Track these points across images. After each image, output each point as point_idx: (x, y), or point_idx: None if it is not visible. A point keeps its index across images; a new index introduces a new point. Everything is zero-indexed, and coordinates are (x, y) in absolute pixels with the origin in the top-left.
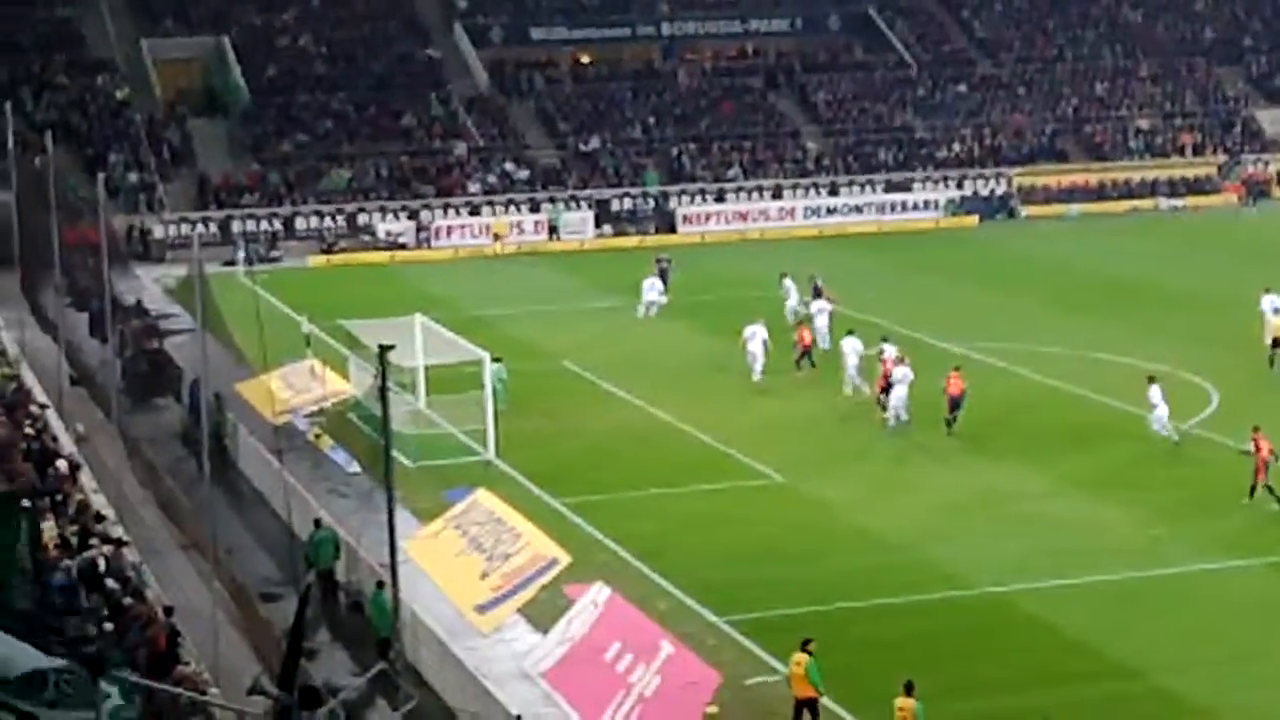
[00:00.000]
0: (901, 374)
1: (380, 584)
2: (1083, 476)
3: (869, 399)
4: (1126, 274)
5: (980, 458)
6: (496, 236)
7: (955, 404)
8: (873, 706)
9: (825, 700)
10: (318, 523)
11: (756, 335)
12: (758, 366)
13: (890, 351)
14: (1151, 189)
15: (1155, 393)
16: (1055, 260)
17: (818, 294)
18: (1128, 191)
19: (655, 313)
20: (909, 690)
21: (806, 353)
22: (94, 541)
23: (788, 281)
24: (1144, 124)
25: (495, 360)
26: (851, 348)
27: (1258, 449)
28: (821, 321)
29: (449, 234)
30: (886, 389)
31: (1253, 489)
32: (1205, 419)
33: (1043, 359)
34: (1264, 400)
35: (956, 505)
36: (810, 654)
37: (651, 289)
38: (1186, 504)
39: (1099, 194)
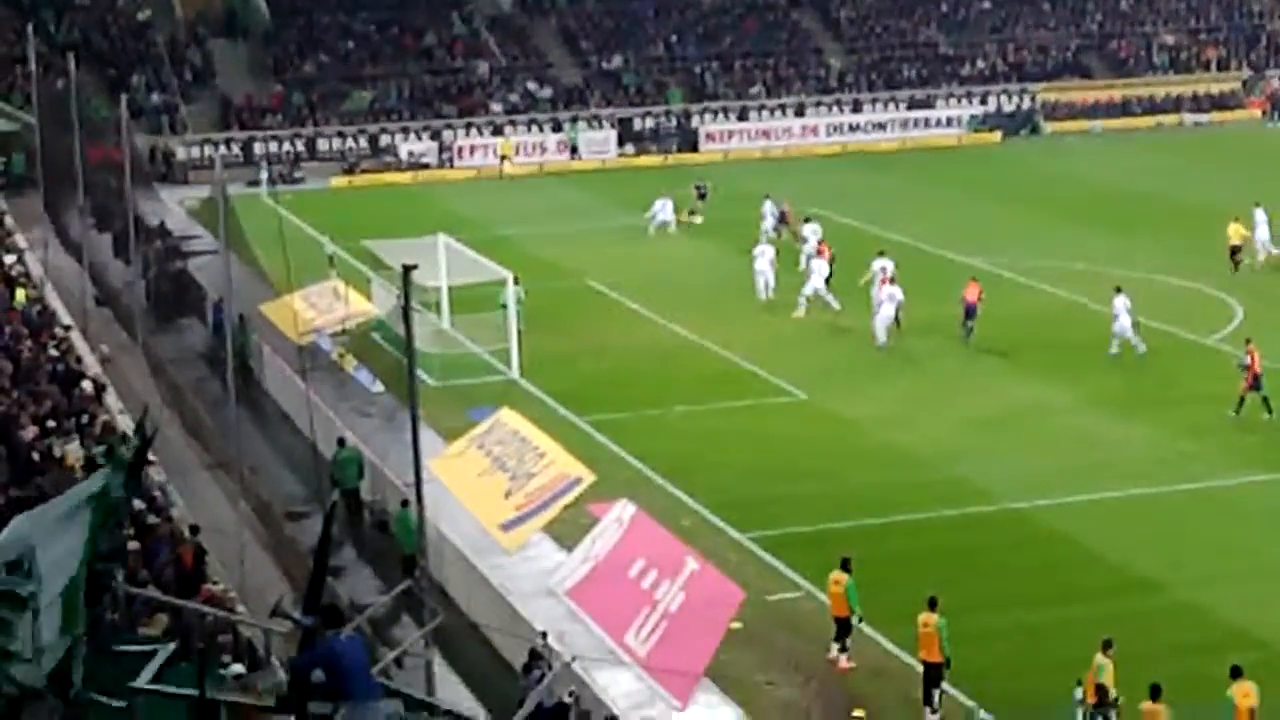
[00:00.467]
0: (889, 293)
1: (405, 502)
2: (1107, 392)
3: (834, 316)
4: (1150, 190)
5: (1005, 374)
6: (503, 158)
7: (970, 312)
8: (897, 622)
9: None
10: (341, 442)
11: (765, 255)
12: (762, 285)
13: (889, 268)
14: (1176, 104)
15: (1120, 303)
16: (1079, 176)
17: (783, 219)
18: (1152, 107)
19: (674, 230)
20: (932, 605)
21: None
22: None
23: (768, 204)
24: (1168, 39)
25: (514, 282)
26: (817, 267)
27: (1252, 362)
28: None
29: (471, 154)
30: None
31: (1241, 401)
32: (1229, 334)
33: (1067, 275)
34: None
35: (981, 421)
36: (849, 573)
37: (663, 209)
38: (1211, 419)
39: (1123, 109)
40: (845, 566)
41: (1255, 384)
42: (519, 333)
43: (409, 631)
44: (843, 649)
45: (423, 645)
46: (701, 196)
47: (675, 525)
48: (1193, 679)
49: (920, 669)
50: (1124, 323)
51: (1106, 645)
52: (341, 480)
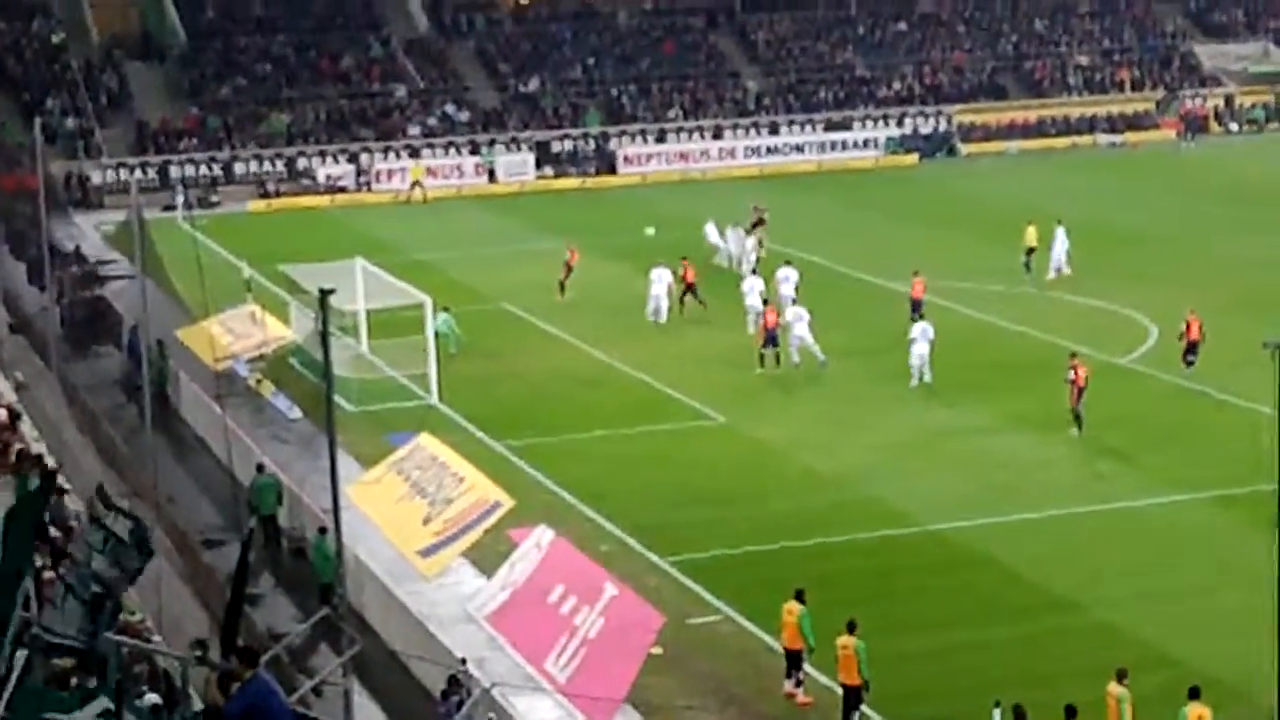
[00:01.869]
0: (795, 314)
1: (322, 529)
2: (1025, 413)
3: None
4: (1065, 211)
5: (923, 395)
6: (415, 184)
7: (916, 306)
8: (817, 645)
9: (761, 634)
10: (260, 468)
11: (662, 279)
12: (654, 308)
13: (794, 277)
14: (1090, 125)
15: (919, 329)
16: (995, 197)
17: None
18: (1067, 128)
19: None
20: (851, 629)
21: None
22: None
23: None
24: (1083, 60)
25: (443, 310)
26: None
27: (1075, 376)
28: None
29: (389, 177)
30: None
31: (1078, 417)
32: (1143, 354)
33: (984, 296)
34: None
35: (899, 443)
36: (804, 604)
37: (713, 234)
38: (1128, 440)
39: (1039, 131)
40: (800, 598)
41: (1078, 398)
42: (450, 358)
43: (327, 660)
44: (798, 682)
45: (341, 674)
46: (760, 223)
47: (594, 550)
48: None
49: (840, 692)
50: (922, 350)
51: (1121, 675)
52: (259, 507)
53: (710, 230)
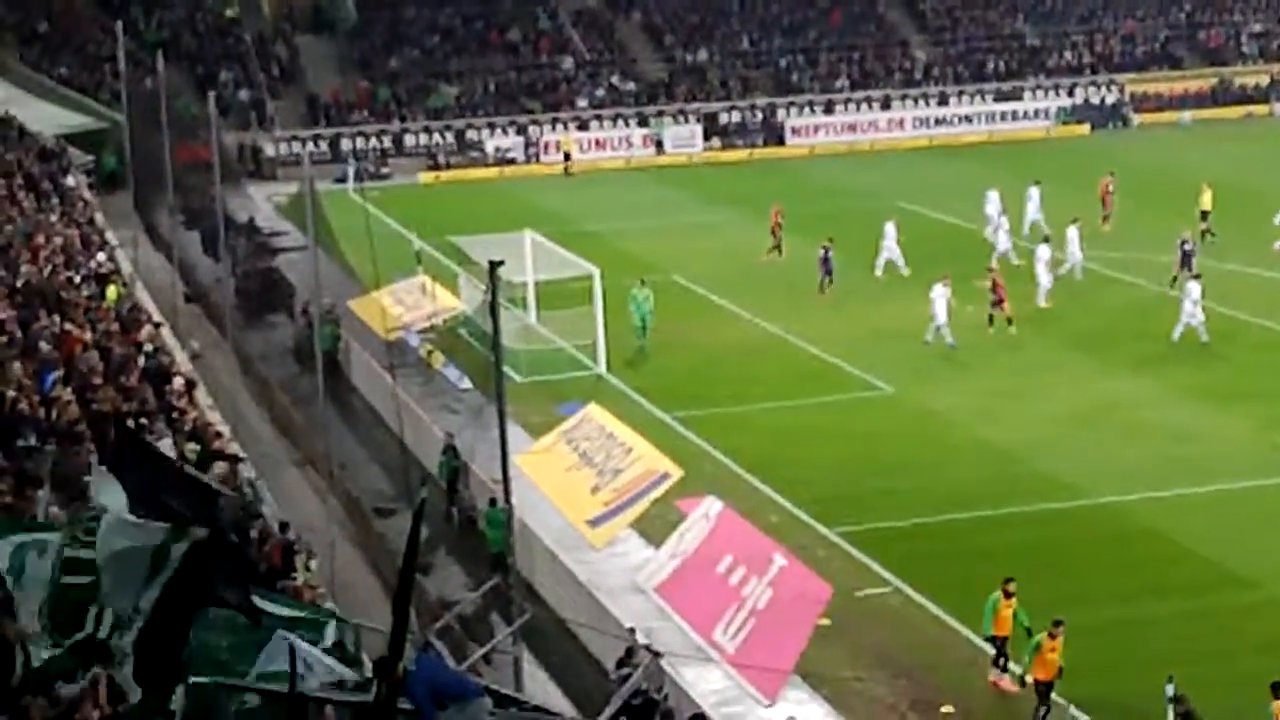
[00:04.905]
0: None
1: (493, 500)
2: (1200, 385)
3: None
4: (1240, 181)
5: (1094, 366)
6: (566, 155)
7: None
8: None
9: (930, 605)
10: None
11: (890, 234)
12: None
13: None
14: (1266, 94)
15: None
16: (1168, 168)
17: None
18: (1242, 97)
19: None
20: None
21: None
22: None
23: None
24: (1258, 27)
25: (642, 285)
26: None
27: None
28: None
29: (557, 149)
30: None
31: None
32: None
33: (1157, 268)
34: None
35: (1072, 415)
36: (1011, 595)
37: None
38: None
39: (1213, 100)
40: (1005, 587)
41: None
42: (640, 345)
43: (498, 628)
44: (1003, 669)
45: (511, 642)
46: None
47: (762, 521)
48: None
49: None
50: (1187, 307)
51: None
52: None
53: (992, 199)
